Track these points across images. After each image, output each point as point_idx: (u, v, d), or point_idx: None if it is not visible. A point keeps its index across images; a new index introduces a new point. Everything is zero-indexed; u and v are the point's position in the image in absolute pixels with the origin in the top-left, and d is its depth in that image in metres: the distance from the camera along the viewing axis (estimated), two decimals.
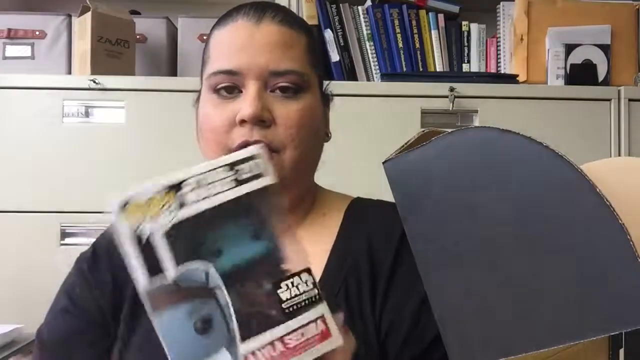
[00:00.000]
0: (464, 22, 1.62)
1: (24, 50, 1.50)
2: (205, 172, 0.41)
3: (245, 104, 0.64)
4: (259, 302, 0.41)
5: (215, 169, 0.41)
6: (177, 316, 0.40)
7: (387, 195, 0.68)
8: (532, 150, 0.47)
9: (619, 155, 1.42)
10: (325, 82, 0.76)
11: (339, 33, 1.55)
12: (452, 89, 1.41)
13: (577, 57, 1.54)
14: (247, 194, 0.41)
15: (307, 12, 1.52)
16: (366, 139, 1.39)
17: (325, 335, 0.42)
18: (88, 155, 1.39)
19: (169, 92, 1.39)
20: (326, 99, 0.76)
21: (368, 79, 1.56)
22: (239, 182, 0.42)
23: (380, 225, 0.70)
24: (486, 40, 1.63)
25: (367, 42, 1.57)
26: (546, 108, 1.44)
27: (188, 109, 0.74)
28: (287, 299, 0.41)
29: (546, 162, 0.46)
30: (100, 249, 0.72)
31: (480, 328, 0.49)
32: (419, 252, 0.55)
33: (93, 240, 0.75)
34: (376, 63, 1.57)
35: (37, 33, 1.50)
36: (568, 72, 1.53)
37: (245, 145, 0.63)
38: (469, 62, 1.62)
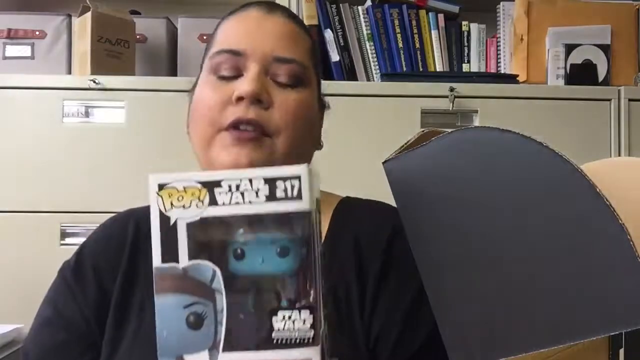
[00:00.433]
0: (464, 22, 1.62)
1: (24, 50, 1.50)
2: (241, 179, 0.41)
3: (244, 82, 0.63)
4: (252, 320, 0.40)
5: (251, 179, 0.41)
6: (176, 303, 0.40)
7: (387, 196, 0.68)
8: (531, 150, 0.47)
9: (619, 155, 1.42)
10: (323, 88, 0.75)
11: (339, 33, 1.55)
12: (452, 89, 1.41)
13: (577, 57, 1.54)
14: (278, 214, 0.41)
15: (307, 12, 1.52)
16: (366, 139, 1.39)
17: None
18: (88, 155, 1.39)
19: (169, 92, 1.39)
20: (322, 106, 0.75)
21: (368, 79, 1.56)
22: (271, 199, 0.41)
23: (369, 227, 0.68)
24: (486, 40, 1.63)
25: (367, 42, 1.57)
26: (546, 108, 1.44)
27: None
28: (279, 330, 0.40)
29: (546, 162, 0.46)
30: (84, 256, 0.70)
31: (480, 328, 0.49)
32: (418, 252, 0.55)
33: None
34: (376, 63, 1.57)
35: (37, 33, 1.50)
36: (568, 72, 1.53)
37: (237, 122, 0.62)
38: (469, 62, 1.62)
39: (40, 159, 1.38)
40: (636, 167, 0.56)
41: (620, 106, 1.44)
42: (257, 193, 0.41)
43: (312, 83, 0.69)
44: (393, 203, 0.64)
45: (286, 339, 0.40)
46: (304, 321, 0.40)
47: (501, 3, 1.63)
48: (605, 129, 1.44)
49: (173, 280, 0.41)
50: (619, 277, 0.42)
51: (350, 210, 0.71)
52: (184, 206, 0.41)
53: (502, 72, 1.61)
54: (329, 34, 1.53)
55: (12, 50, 1.50)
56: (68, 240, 1.36)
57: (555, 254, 0.45)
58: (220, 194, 0.41)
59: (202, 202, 0.41)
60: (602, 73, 1.54)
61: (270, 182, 0.41)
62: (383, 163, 0.65)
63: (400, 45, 1.57)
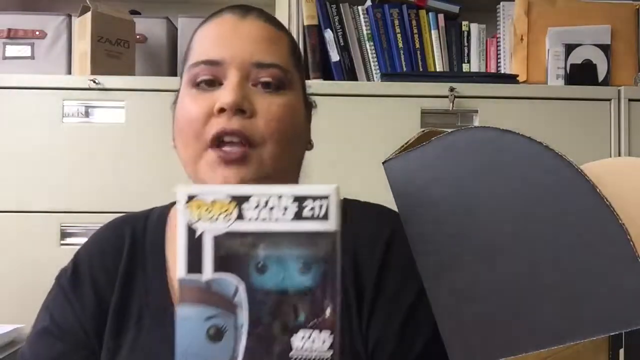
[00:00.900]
0: (464, 22, 1.62)
1: (24, 50, 1.50)
2: (270, 196, 0.41)
3: (225, 92, 0.61)
4: (271, 336, 0.41)
5: (281, 195, 0.41)
6: (197, 315, 0.41)
7: (387, 196, 0.68)
8: (532, 150, 0.47)
9: (619, 155, 1.42)
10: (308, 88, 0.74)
11: (339, 33, 1.55)
12: (452, 89, 1.41)
13: (577, 57, 1.54)
14: (303, 233, 0.41)
15: (307, 12, 1.52)
16: (366, 139, 1.39)
17: None
18: (88, 155, 1.39)
19: (169, 92, 1.38)
20: (309, 105, 0.73)
21: (368, 79, 1.56)
22: (298, 217, 0.41)
23: (366, 230, 0.67)
24: (486, 40, 1.63)
25: (367, 42, 1.57)
26: (546, 108, 1.44)
27: None
28: (298, 348, 0.41)
29: (546, 162, 0.46)
30: (82, 263, 0.70)
31: (481, 328, 0.49)
32: (419, 252, 0.55)
33: None
34: (376, 63, 1.57)
35: (37, 33, 1.50)
36: (568, 72, 1.53)
37: (221, 134, 0.61)
38: (469, 62, 1.62)
39: (40, 159, 1.38)
40: (636, 167, 0.56)
41: (620, 106, 1.44)
42: (285, 210, 0.41)
43: (295, 85, 0.67)
44: (393, 203, 0.64)
45: (304, 358, 0.40)
46: (323, 342, 0.40)
47: (501, 3, 1.63)
48: (605, 129, 1.44)
49: (196, 292, 0.41)
50: (619, 277, 0.42)
51: (347, 213, 0.70)
52: (211, 219, 0.41)
53: (502, 72, 1.61)
54: (329, 34, 1.53)
55: (12, 50, 1.50)
56: (68, 240, 1.36)
57: (555, 254, 0.45)
58: (249, 209, 0.41)
59: (230, 216, 0.41)
60: (602, 73, 1.54)
61: (300, 200, 0.41)
62: (383, 163, 0.65)
63: (400, 45, 1.57)
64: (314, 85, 1.49)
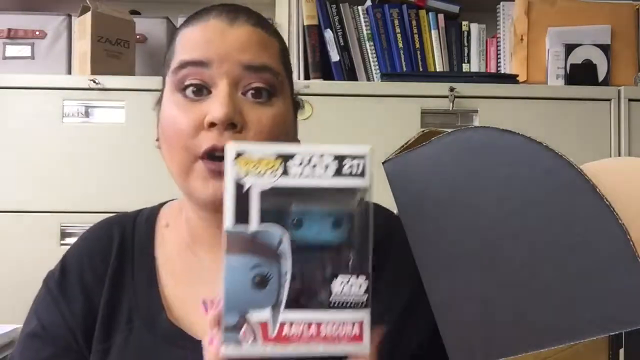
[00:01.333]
0: (464, 22, 1.62)
1: (24, 50, 1.50)
2: (313, 154, 0.45)
3: (216, 105, 0.58)
4: (313, 283, 0.45)
5: (322, 155, 0.45)
6: (243, 264, 0.44)
7: (387, 196, 0.68)
8: (532, 150, 0.47)
9: (619, 155, 1.42)
10: (296, 89, 0.72)
11: (339, 33, 1.55)
12: (452, 89, 1.41)
13: (577, 57, 1.54)
14: (342, 188, 0.45)
15: (307, 12, 1.52)
16: (366, 139, 1.39)
17: (356, 338, 0.45)
18: (88, 155, 1.39)
19: None
20: (296, 105, 0.71)
21: (368, 79, 1.56)
22: (339, 174, 0.45)
23: None
24: (486, 40, 1.63)
25: (367, 42, 1.57)
26: (546, 108, 1.44)
27: None
28: (337, 293, 0.45)
29: (546, 162, 0.46)
30: (70, 265, 0.69)
31: (480, 328, 0.49)
32: (419, 252, 0.55)
33: None
34: (376, 63, 1.57)
35: (37, 33, 1.50)
36: (568, 72, 1.53)
37: (213, 150, 0.59)
38: (469, 62, 1.62)
39: (40, 159, 1.38)
40: (636, 167, 0.56)
41: (620, 106, 1.44)
42: (326, 168, 0.45)
43: (285, 89, 0.65)
44: (393, 203, 0.64)
45: (342, 302, 0.45)
46: (360, 286, 0.45)
47: (501, 3, 1.63)
48: (605, 129, 1.44)
49: (242, 243, 0.44)
50: (619, 277, 0.42)
51: None
52: (258, 174, 0.44)
53: (502, 72, 1.61)
54: (329, 34, 1.53)
55: (12, 50, 1.50)
56: (68, 240, 1.36)
57: (555, 254, 0.45)
58: (293, 166, 0.45)
59: (275, 172, 0.45)
60: (602, 73, 1.54)
61: (339, 158, 0.45)
62: (383, 163, 0.65)
63: (400, 45, 1.57)
64: (314, 85, 1.50)
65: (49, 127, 1.38)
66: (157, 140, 0.66)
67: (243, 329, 0.44)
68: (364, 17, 1.57)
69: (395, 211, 0.66)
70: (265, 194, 0.44)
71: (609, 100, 1.44)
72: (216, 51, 0.60)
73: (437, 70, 1.58)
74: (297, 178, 0.45)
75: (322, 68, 1.53)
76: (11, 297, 1.33)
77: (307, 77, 1.51)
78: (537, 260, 0.46)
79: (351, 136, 1.38)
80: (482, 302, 0.49)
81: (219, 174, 0.58)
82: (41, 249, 1.35)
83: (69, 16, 1.52)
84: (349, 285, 0.45)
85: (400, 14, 1.58)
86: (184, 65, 0.60)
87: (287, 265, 0.44)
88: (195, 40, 0.61)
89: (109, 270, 0.67)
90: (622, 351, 0.55)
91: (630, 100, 1.44)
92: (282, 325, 0.44)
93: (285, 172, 0.44)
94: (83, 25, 1.43)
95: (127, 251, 0.69)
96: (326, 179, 0.45)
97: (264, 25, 0.65)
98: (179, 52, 0.62)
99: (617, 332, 0.43)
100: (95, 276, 0.67)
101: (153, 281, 0.67)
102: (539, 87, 1.50)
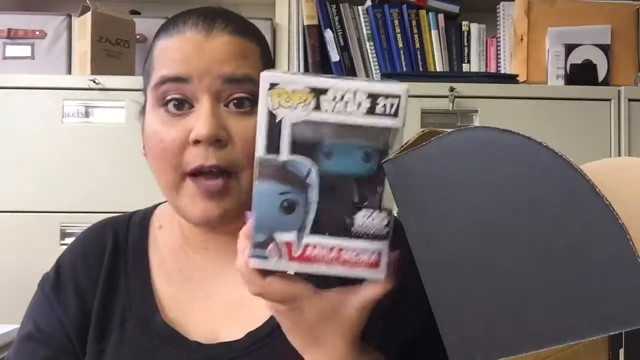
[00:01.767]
0: (464, 22, 1.62)
1: (24, 50, 1.50)
2: (347, 90, 0.45)
3: (200, 123, 0.58)
4: (338, 212, 0.46)
5: (356, 91, 0.45)
6: (272, 190, 0.46)
7: (387, 195, 0.68)
8: (531, 150, 0.47)
9: (619, 155, 1.42)
10: None
11: (339, 33, 1.55)
12: (452, 89, 1.41)
13: (577, 57, 1.54)
14: (373, 126, 0.46)
15: (307, 12, 1.52)
16: None
17: (373, 265, 0.48)
18: (88, 155, 1.39)
19: None
20: None
21: None
22: (371, 113, 0.45)
23: None
24: (486, 40, 1.63)
25: (367, 42, 1.57)
26: (546, 108, 1.44)
27: None
28: (360, 224, 0.47)
29: (546, 162, 0.46)
30: (64, 267, 0.69)
31: (480, 328, 0.49)
32: (418, 252, 0.55)
33: None
34: (376, 63, 1.57)
35: (37, 33, 1.50)
36: (568, 72, 1.53)
37: (200, 168, 0.59)
38: (469, 62, 1.62)
39: (40, 159, 1.38)
40: (636, 167, 0.56)
41: (620, 106, 1.44)
42: (359, 105, 0.45)
43: None
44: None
45: (364, 233, 0.47)
46: (382, 219, 0.47)
47: (501, 3, 1.63)
48: (605, 129, 1.44)
49: (273, 170, 0.46)
50: (619, 277, 0.42)
51: None
52: (290, 107, 0.45)
53: (502, 72, 1.61)
54: (329, 34, 1.53)
55: (12, 50, 1.50)
56: (68, 240, 1.36)
57: (555, 254, 0.45)
58: (325, 101, 0.45)
59: (308, 106, 0.45)
60: (602, 73, 1.54)
61: (373, 97, 0.45)
62: (383, 163, 0.65)
63: (400, 45, 1.57)
64: None
65: (49, 127, 1.38)
66: (144, 147, 0.66)
67: (270, 246, 0.47)
68: (364, 17, 1.57)
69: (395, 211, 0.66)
70: (297, 126, 0.45)
71: (609, 100, 1.44)
72: (195, 66, 0.59)
73: (437, 70, 1.58)
74: (329, 113, 0.45)
75: (322, 68, 1.53)
76: (11, 297, 1.33)
77: None
78: (536, 260, 0.46)
79: None
80: (482, 302, 0.49)
81: (207, 194, 0.59)
82: (41, 249, 1.35)
83: (69, 16, 1.52)
84: (371, 219, 0.47)
85: (400, 14, 1.58)
86: (163, 81, 0.60)
87: (314, 194, 0.46)
88: (172, 55, 0.60)
89: (102, 272, 0.68)
90: (622, 351, 0.55)
91: (630, 100, 1.44)
92: (305, 246, 0.47)
93: (317, 107, 0.45)
94: (83, 25, 1.43)
95: (120, 253, 0.69)
96: (358, 117, 0.45)
97: (243, 30, 0.63)
98: (157, 66, 0.61)
99: (617, 332, 0.43)
100: (89, 278, 0.68)
101: (147, 282, 0.67)
102: (539, 87, 1.50)
